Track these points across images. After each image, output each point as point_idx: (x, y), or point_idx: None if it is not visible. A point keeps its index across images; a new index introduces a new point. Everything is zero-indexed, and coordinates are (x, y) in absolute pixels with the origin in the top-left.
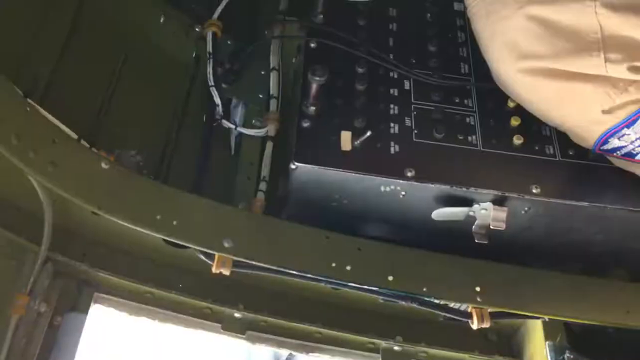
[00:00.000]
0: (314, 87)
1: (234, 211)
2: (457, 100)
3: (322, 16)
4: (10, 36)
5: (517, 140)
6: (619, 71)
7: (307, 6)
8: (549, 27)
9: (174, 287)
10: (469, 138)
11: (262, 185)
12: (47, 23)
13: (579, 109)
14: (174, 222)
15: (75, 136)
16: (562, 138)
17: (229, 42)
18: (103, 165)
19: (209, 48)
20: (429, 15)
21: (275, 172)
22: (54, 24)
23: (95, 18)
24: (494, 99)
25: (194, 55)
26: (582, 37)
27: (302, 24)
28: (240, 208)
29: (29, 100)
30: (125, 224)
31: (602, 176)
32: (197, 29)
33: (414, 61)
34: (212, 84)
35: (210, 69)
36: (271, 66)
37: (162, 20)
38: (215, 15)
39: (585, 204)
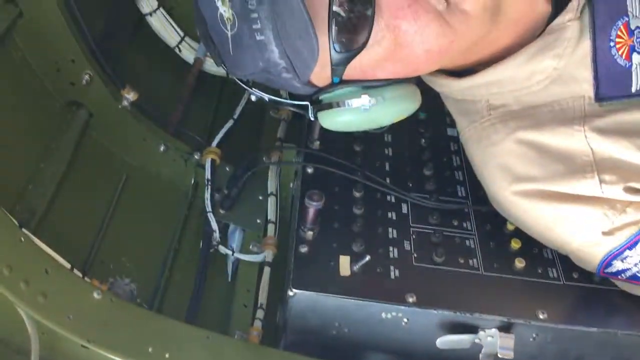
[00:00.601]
0: (311, 212)
1: (230, 342)
2: (455, 223)
3: (318, 142)
4: (9, 168)
5: (519, 263)
6: (615, 192)
7: (304, 133)
8: (541, 151)
9: None
10: (470, 262)
11: (259, 313)
12: (47, 155)
13: (578, 231)
14: (167, 355)
15: (68, 266)
16: (565, 261)
17: (227, 169)
18: (95, 295)
19: (208, 175)
20: (423, 140)
21: (272, 299)
22: (54, 156)
23: (95, 149)
24: (492, 221)
25: (192, 182)
26: (574, 159)
27: (299, 150)
28: (236, 338)
29: (24, 230)
30: (115, 358)
31: (609, 300)
32: (196, 157)
33: (410, 185)
34: (210, 210)
35: (208, 195)
36: (269, 191)
37: (161, 150)
38: (214, 144)
39: (595, 329)
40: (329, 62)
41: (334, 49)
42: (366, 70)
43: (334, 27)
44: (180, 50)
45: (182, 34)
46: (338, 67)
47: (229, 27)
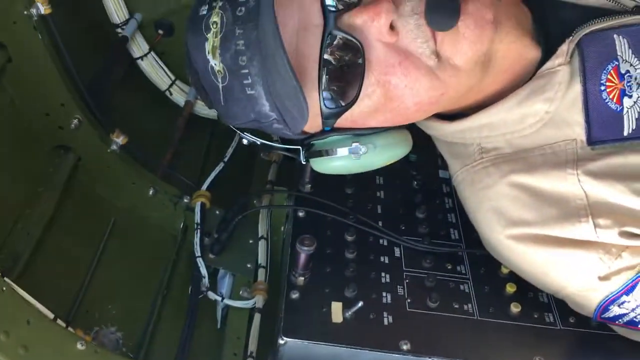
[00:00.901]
0: (302, 257)
1: None
2: (449, 267)
3: (310, 185)
4: None
5: (515, 308)
6: (610, 237)
7: (295, 176)
8: (534, 194)
9: None
10: (465, 306)
11: None
12: (33, 200)
13: (573, 276)
14: None
15: (51, 315)
16: (561, 305)
17: (217, 212)
18: (79, 346)
19: (197, 219)
20: (415, 183)
21: (263, 347)
22: (40, 201)
23: (83, 193)
24: (487, 265)
25: (181, 225)
26: (568, 203)
27: (290, 193)
28: None
29: (6, 280)
30: None
31: (607, 345)
32: (185, 200)
33: (403, 228)
34: (199, 254)
35: (197, 240)
36: (259, 235)
37: (150, 193)
38: (204, 187)
39: None
40: (319, 113)
41: (324, 105)
42: (357, 120)
43: (324, 84)
44: (171, 94)
45: (173, 77)
46: (328, 119)
47: (219, 79)
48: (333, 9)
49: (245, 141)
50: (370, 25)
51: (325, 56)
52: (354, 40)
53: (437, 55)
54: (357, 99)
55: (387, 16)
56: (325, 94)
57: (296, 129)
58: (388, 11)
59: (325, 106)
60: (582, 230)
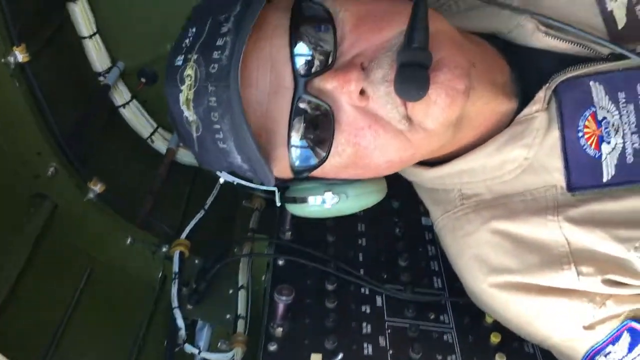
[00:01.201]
0: (281, 307)
1: None
2: (432, 317)
3: (290, 232)
4: None
5: (500, 358)
6: (594, 285)
7: (276, 224)
8: (515, 241)
9: None
10: (449, 358)
11: None
12: (5, 250)
13: (558, 325)
14: None
15: None
16: (547, 355)
17: (196, 261)
18: None
19: (175, 268)
20: (397, 230)
21: None
22: (12, 251)
23: (58, 243)
24: (470, 314)
25: (160, 275)
26: (550, 250)
27: (270, 241)
28: None
29: None
30: None
31: None
32: (164, 249)
33: (385, 276)
34: (176, 305)
35: (175, 290)
36: (239, 284)
37: (128, 242)
38: (184, 235)
39: None
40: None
41: (294, 163)
42: (328, 173)
43: (294, 142)
44: (152, 141)
45: (155, 125)
46: (299, 174)
47: (194, 129)
48: (304, 73)
49: (221, 180)
50: (340, 92)
51: (296, 115)
52: (323, 104)
53: (408, 120)
54: (326, 159)
55: (357, 84)
56: (295, 151)
57: (267, 183)
58: (358, 79)
59: (295, 164)
60: (565, 278)
